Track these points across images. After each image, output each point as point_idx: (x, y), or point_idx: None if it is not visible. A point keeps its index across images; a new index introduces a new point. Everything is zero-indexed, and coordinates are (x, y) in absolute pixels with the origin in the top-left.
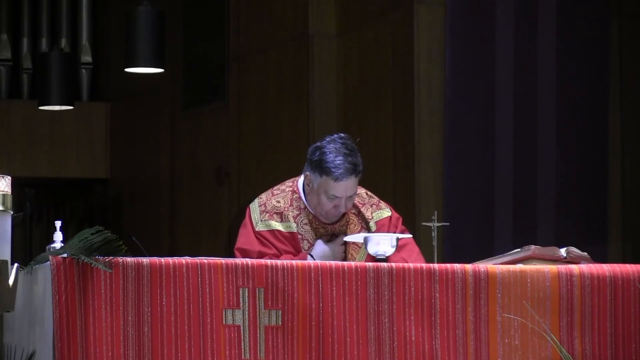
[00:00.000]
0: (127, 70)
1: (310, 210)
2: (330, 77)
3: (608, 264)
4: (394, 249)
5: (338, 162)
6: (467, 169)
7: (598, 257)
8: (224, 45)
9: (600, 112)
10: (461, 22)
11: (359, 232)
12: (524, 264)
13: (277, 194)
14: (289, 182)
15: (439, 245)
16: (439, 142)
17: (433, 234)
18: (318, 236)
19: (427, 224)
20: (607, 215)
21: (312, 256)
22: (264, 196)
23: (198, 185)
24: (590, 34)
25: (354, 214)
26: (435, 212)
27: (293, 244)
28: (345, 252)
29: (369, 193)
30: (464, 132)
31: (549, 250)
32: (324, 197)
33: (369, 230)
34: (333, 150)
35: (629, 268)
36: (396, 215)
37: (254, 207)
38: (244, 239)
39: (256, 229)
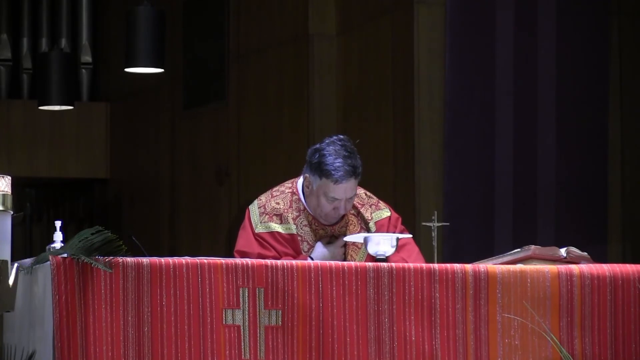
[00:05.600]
0: (127, 70)
1: (310, 211)
2: (330, 77)
3: (608, 264)
4: (394, 249)
5: (337, 164)
6: (467, 169)
7: (598, 257)
8: (224, 45)
9: (600, 112)
10: (461, 22)
11: (358, 233)
12: (524, 264)
13: (276, 196)
14: (288, 184)
15: (439, 245)
16: (439, 142)
17: (433, 234)
18: (318, 238)
19: (427, 224)
20: (607, 215)
21: (311, 258)
22: (263, 198)
23: (198, 185)
24: (590, 34)
25: (354, 214)
26: (435, 212)
27: (293, 246)
28: (344, 253)
29: (368, 193)
30: (464, 132)
31: (549, 250)
32: (324, 199)
33: (368, 230)
34: (332, 152)
35: (629, 268)
36: (395, 215)
37: (253, 208)
38: (243, 241)
39: (256, 231)
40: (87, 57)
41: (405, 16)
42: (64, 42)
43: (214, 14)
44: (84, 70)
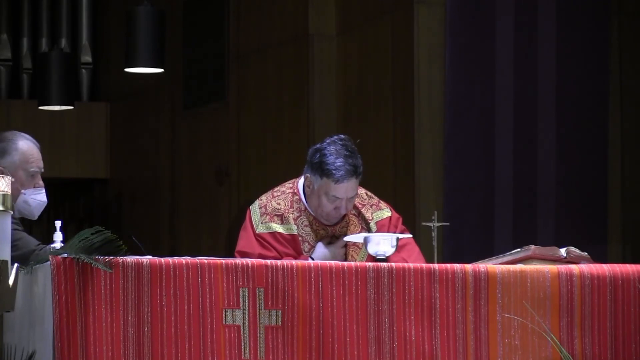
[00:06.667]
0: (127, 70)
1: (311, 212)
2: (330, 77)
3: (608, 264)
4: (394, 249)
5: (339, 163)
6: (467, 169)
7: (598, 257)
8: (224, 45)
9: (600, 112)
10: (461, 22)
11: (359, 233)
12: (524, 264)
13: (277, 196)
14: (288, 184)
15: (439, 245)
16: (439, 142)
17: (433, 234)
18: (318, 238)
19: (427, 224)
20: (607, 216)
21: (312, 259)
22: (264, 198)
23: (198, 185)
24: (590, 34)
25: (354, 214)
26: (435, 212)
27: (294, 246)
28: (345, 254)
29: (369, 193)
30: (464, 132)
31: (549, 250)
32: (325, 198)
33: (369, 230)
34: (333, 152)
35: (629, 268)
36: (396, 215)
37: (254, 209)
38: (244, 241)
39: (256, 232)
40: (87, 57)
41: (405, 16)
42: (64, 42)
43: (214, 14)
44: (84, 70)
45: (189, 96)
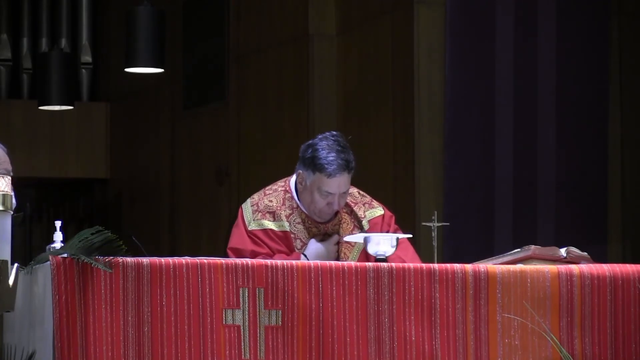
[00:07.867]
0: (127, 70)
1: (303, 209)
2: (330, 77)
3: (608, 264)
4: (394, 249)
5: (331, 158)
6: (467, 169)
7: (598, 257)
8: (224, 45)
9: (600, 112)
10: (461, 22)
11: (351, 231)
12: (524, 264)
13: (269, 194)
14: (280, 182)
15: (439, 245)
16: (439, 142)
17: (433, 234)
18: (311, 235)
19: (427, 224)
20: (607, 215)
21: (305, 256)
22: (256, 196)
23: (198, 185)
24: (590, 34)
25: (347, 212)
26: (435, 212)
27: (286, 244)
28: (338, 251)
29: (361, 192)
30: (464, 132)
31: (549, 250)
32: (317, 194)
33: (361, 229)
34: (325, 147)
35: (629, 268)
36: (389, 213)
37: (246, 207)
38: (236, 238)
39: (248, 229)
40: (87, 57)
41: (405, 16)
42: (64, 42)
43: (214, 14)
44: (84, 70)
45: (189, 96)
